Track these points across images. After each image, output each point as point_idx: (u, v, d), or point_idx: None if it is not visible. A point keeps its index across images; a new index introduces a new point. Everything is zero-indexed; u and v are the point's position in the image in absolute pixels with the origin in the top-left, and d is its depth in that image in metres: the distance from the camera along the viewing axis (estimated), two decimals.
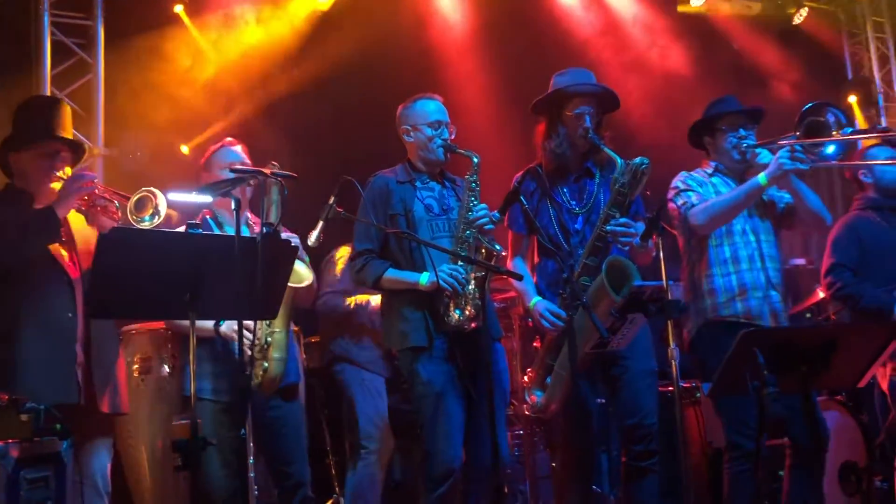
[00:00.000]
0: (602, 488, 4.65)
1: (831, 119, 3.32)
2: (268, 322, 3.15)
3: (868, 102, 7.93)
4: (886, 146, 3.87)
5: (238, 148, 3.47)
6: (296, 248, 2.80)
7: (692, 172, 3.65)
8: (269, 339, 3.16)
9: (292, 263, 2.81)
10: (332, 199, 3.10)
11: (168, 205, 2.95)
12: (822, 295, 5.26)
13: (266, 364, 3.15)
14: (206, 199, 3.04)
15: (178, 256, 2.57)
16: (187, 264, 2.54)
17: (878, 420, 4.80)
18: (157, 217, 2.94)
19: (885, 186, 3.92)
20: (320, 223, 3.13)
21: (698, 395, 4.58)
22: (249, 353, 3.08)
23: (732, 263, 3.47)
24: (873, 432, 4.70)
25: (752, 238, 3.48)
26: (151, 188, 2.97)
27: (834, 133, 3.29)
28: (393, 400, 4.49)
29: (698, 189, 3.52)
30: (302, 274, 3.24)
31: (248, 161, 3.43)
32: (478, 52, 6.15)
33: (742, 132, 3.53)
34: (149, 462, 3.69)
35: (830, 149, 3.35)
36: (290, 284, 3.08)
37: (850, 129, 3.29)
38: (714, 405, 3.61)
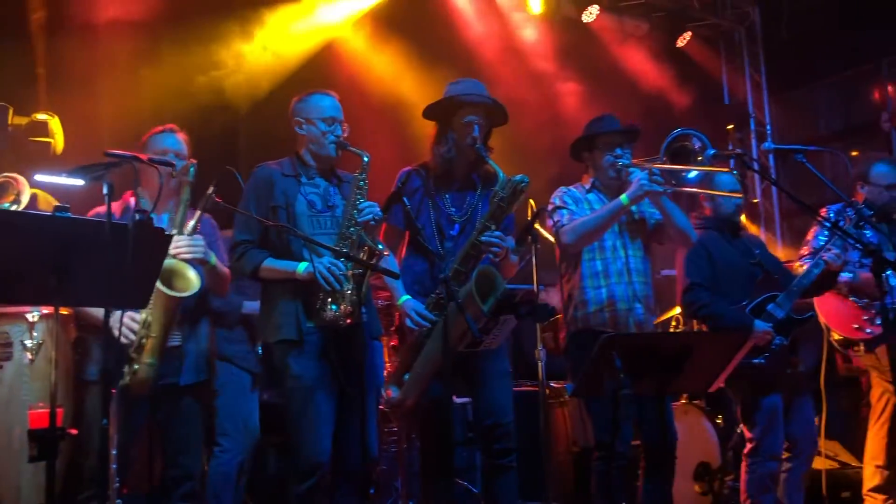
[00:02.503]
0: (476, 487, 4.77)
1: (697, 145, 3.52)
2: (147, 325, 3.09)
3: (741, 127, 8.44)
4: (729, 173, 4.09)
5: (179, 136, 3.40)
6: (169, 237, 2.75)
7: (571, 188, 3.79)
8: (143, 341, 3.09)
9: (165, 253, 2.76)
10: (210, 189, 3.08)
11: (35, 186, 2.84)
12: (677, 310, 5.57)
13: (136, 366, 3.08)
14: (78, 182, 2.95)
15: (42, 239, 2.47)
16: (52, 248, 2.46)
17: (732, 423, 5.13)
18: (17, 205, 2.84)
19: (722, 213, 4.15)
20: (198, 213, 3.11)
21: (565, 396, 4.77)
22: (129, 345, 3.06)
23: (603, 277, 3.63)
24: (728, 435, 5.02)
25: (621, 253, 3.66)
26: (13, 174, 2.86)
27: (699, 158, 3.49)
28: (270, 395, 4.45)
29: (573, 206, 3.67)
30: (191, 281, 3.13)
31: (185, 150, 3.37)
32: (368, 53, 6.19)
33: (618, 151, 3.69)
34: (4, 451, 3.54)
35: (692, 174, 3.55)
36: (173, 293, 3.03)
37: (711, 153, 3.48)
38: (584, 406, 3.76)
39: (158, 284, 2.95)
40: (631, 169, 3.58)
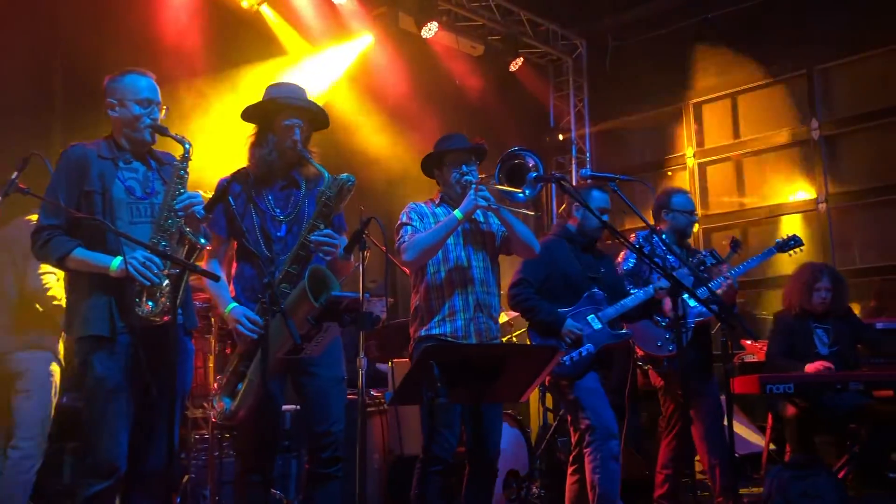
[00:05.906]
0: (288, 494, 4.69)
1: (531, 163, 3.70)
2: None
3: (563, 153, 8.93)
4: (601, 190, 4.34)
5: None
6: None
7: (420, 203, 3.86)
8: None
9: None
10: (14, 175, 2.85)
11: None
12: (504, 318, 5.79)
13: None
14: None
15: None
16: None
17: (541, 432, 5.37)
18: None
19: (586, 228, 4.41)
20: None
21: (384, 404, 4.81)
22: None
23: (446, 288, 3.70)
24: (536, 444, 5.25)
25: (465, 265, 3.74)
26: None
27: (532, 175, 3.67)
28: (69, 398, 4.17)
29: (417, 223, 3.72)
30: None
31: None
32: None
33: (465, 168, 3.79)
34: None
35: (526, 192, 3.72)
36: None
37: (532, 175, 3.67)
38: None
39: None
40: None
